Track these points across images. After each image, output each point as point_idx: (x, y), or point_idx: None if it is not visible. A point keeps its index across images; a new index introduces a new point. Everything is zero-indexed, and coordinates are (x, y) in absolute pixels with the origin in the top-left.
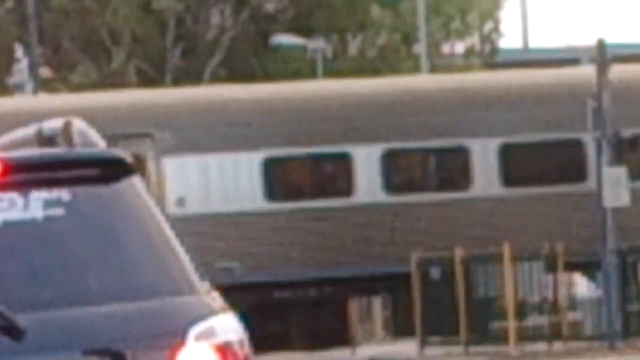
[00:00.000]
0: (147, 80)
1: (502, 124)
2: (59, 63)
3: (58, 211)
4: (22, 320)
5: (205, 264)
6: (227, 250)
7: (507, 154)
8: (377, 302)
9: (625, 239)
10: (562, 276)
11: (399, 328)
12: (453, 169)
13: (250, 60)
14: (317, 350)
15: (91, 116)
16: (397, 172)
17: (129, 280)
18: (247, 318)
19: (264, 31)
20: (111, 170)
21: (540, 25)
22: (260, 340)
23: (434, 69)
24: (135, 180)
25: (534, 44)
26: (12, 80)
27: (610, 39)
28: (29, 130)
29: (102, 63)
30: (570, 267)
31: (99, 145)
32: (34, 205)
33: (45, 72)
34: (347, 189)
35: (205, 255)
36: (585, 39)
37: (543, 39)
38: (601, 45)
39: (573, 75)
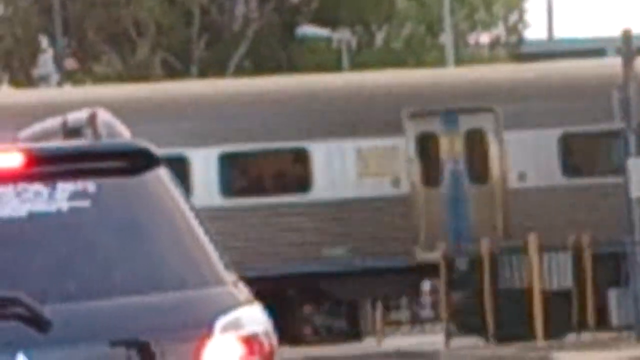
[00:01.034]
0: (172, 72)
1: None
2: (84, 54)
3: (84, 203)
4: (48, 311)
5: None
6: None
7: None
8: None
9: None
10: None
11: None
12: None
13: (276, 51)
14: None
15: (116, 108)
16: None
17: (155, 272)
18: (273, 309)
19: (289, 22)
20: (137, 161)
21: (565, 15)
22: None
23: (459, 59)
24: (161, 172)
25: (559, 34)
26: (37, 71)
27: (636, 30)
28: (54, 122)
29: (126, 54)
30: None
31: (125, 136)
32: (59, 196)
33: (70, 63)
34: None
35: None
36: (611, 30)
37: (568, 30)
38: (627, 36)
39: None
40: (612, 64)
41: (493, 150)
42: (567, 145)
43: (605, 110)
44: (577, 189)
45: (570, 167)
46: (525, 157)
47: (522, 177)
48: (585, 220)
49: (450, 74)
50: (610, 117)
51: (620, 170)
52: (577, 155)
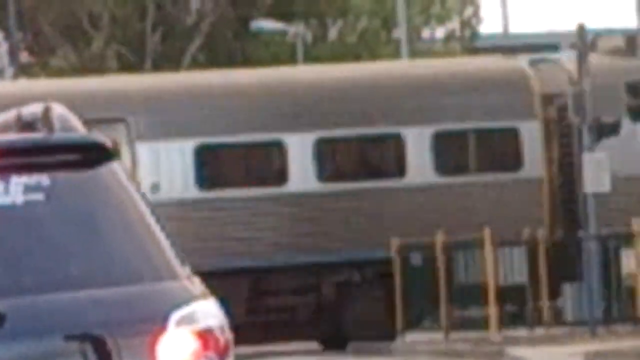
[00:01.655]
0: (126, 65)
1: None
2: (39, 48)
3: (38, 196)
4: (1, 305)
5: None
6: None
7: None
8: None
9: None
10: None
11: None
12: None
13: (231, 45)
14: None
15: (70, 101)
16: None
17: (110, 266)
18: (227, 304)
19: (244, 16)
20: (91, 155)
21: (520, 10)
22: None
23: (413, 54)
24: (116, 165)
25: (514, 29)
26: None
27: (591, 25)
28: (8, 116)
29: (81, 47)
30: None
31: (79, 130)
32: (13, 190)
33: (25, 56)
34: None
35: None
36: (566, 24)
37: (523, 24)
38: (581, 31)
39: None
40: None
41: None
42: (202, 156)
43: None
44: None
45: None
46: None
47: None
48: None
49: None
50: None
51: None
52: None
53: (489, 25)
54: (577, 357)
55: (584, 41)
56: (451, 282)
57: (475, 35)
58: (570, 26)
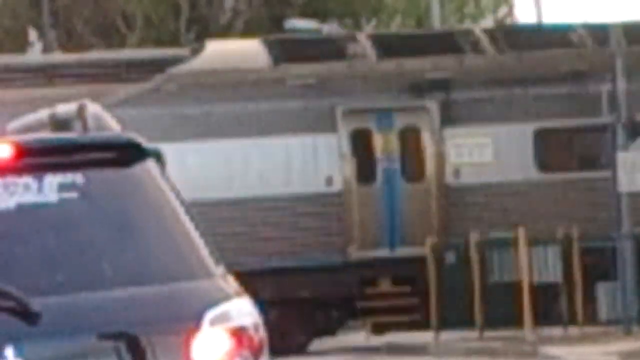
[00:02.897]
0: None
1: None
2: (73, 47)
3: (72, 195)
4: (37, 304)
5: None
6: None
7: None
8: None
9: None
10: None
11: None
12: None
13: None
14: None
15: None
16: None
17: (143, 265)
18: (263, 304)
19: (277, 15)
20: (125, 154)
21: (554, 7)
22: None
23: None
24: (150, 164)
25: None
26: None
27: (625, 19)
28: (42, 114)
29: (115, 47)
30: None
31: (114, 128)
32: (48, 188)
33: None
34: None
35: None
36: (600, 20)
37: (557, 21)
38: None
39: None
40: None
41: None
42: None
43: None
44: None
45: None
46: None
47: None
48: None
49: None
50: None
51: None
52: None
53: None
54: (612, 356)
55: (617, 38)
56: (485, 281)
57: None
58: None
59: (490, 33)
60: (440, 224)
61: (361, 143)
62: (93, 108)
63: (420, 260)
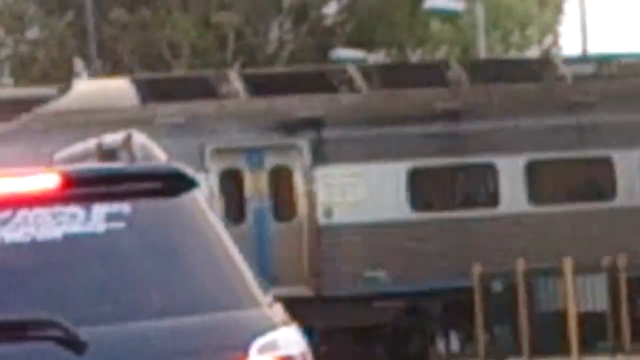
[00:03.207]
0: None
1: None
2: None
3: (119, 225)
4: (84, 334)
5: None
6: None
7: None
8: None
9: None
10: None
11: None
12: None
13: None
14: None
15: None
16: None
17: (190, 294)
18: (311, 332)
19: (323, 44)
20: (172, 183)
21: (599, 37)
22: None
23: None
24: (197, 194)
25: None
26: None
27: None
28: (89, 144)
29: None
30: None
31: (160, 158)
32: (95, 218)
33: None
34: None
35: None
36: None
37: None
38: None
39: None
40: None
41: None
42: None
43: None
44: None
45: None
46: None
47: None
48: None
49: None
50: None
51: None
52: None
53: (569, 53)
54: None
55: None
56: (532, 310)
57: None
58: None
59: (363, 71)
60: (311, 263)
61: (231, 182)
62: (139, 137)
63: (296, 300)
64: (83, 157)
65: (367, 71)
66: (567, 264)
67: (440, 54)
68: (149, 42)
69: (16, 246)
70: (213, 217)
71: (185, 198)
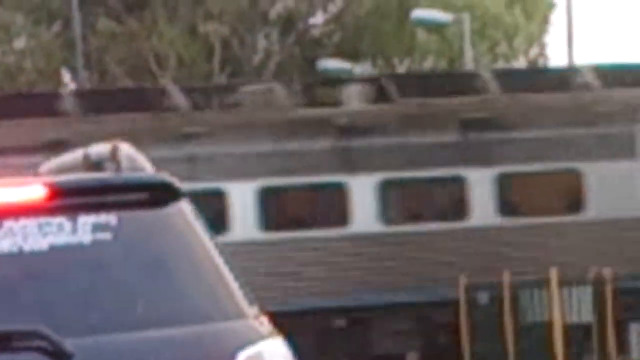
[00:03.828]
0: None
1: None
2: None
3: (105, 235)
4: (70, 345)
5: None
6: None
7: None
8: None
9: None
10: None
11: None
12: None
13: None
14: None
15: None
16: None
17: (176, 305)
18: (295, 344)
19: (310, 56)
20: (159, 194)
21: (586, 48)
22: None
23: None
24: (183, 205)
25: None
26: None
27: None
28: (75, 155)
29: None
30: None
31: (147, 169)
32: (81, 229)
33: None
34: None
35: None
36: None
37: (589, 62)
38: None
39: None
40: None
41: None
42: None
43: None
44: None
45: None
46: None
47: None
48: None
49: None
50: None
51: None
52: None
53: (555, 63)
54: None
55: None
56: (517, 322)
57: None
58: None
59: (186, 91)
60: None
61: None
62: (126, 148)
63: None
64: (70, 167)
65: (188, 90)
66: (553, 275)
67: (427, 64)
68: (136, 53)
69: (2, 257)
70: (200, 228)
71: (172, 209)
